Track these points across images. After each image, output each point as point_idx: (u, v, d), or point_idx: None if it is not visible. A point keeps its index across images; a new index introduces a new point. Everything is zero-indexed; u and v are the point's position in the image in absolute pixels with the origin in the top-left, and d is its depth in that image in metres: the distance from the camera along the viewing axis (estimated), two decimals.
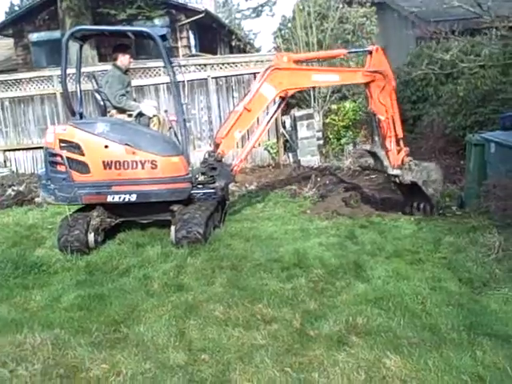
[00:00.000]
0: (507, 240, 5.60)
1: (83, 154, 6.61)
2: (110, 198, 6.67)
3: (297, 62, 7.49)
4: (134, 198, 6.63)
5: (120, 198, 6.64)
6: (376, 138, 7.66)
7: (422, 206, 7.40)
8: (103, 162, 6.60)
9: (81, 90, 7.61)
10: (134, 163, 6.60)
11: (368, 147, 8.16)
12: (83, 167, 6.63)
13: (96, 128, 6.70)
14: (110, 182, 6.63)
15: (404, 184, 7.39)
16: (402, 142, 7.49)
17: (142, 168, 6.60)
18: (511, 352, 3.70)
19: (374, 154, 7.67)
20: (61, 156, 6.64)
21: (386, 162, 7.39)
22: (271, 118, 7.83)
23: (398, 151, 7.44)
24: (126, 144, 6.59)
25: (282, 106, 7.90)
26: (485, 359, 3.63)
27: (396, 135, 7.45)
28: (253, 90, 7.15)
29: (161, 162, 6.61)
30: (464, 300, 4.60)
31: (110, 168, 6.60)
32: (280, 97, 7.50)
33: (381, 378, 3.48)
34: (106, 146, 6.61)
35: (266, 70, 7.18)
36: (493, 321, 4.19)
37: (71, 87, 8.43)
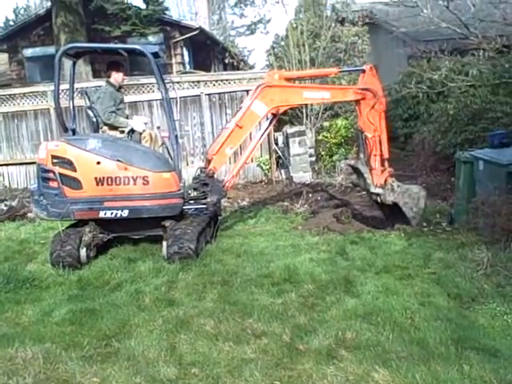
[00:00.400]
0: (495, 256, 5.68)
1: (75, 170, 6.67)
2: (102, 214, 6.72)
3: (288, 79, 7.62)
4: (126, 213, 6.68)
5: (112, 213, 6.69)
6: (361, 155, 7.82)
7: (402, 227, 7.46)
8: (95, 178, 6.66)
9: (74, 107, 7.68)
10: (126, 179, 6.65)
11: (352, 162, 8.28)
12: (75, 183, 6.68)
13: (88, 144, 6.76)
14: (102, 198, 6.68)
15: (385, 204, 7.49)
16: (386, 163, 7.59)
17: (134, 184, 6.66)
18: (498, 366, 3.75)
19: (357, 170, 7.78)
20: (53, 172, 6.69)
21: (368, 180, 7.49)
22: (263, 134, 7.92)
23: (382, 171, 7.53)
24: (118, 160, 6.65)
25: (274, 122, 8.01)
26: (471, 373, 3.67)
27: (382, 155, 7.53)
28: (244, 107, 7.22)
29: (152, 177, 6.67)
30: (452, 315, 4.66)
31: (102, 184, 6.66)
32: (272, 113, 7.60)
33: None
34: (98, 162, 6.67)
35: (258, 87, 7.27)
36: (480, 335, 4.25)
37: (65, 103, 8.52)
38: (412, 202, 7.29)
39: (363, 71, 7.61)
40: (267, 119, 7.82)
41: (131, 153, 6.81)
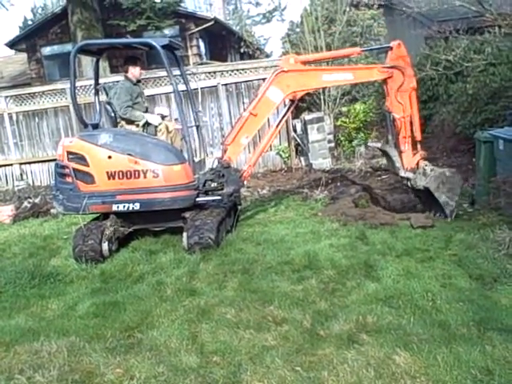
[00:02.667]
0: None
1: (88, 165, 6.78)
2: (114, 207, 6.81)
3: (304, 63, 7.34)
4: (137, 206, 6.75)
5: (124, 206, 6.77)
6: (390, 137, 7.43)
7: (437, 214, 7.06)
8: (107, 172, 6.75)
9: (99, 102, 7.76)
10: (137, 172, 6.71)
11: (379, 145, 7.91)
12: (89, 178, 6.80)
13: (100, 139, 6.85)
14: (114, 192, 6.77)
15: (417, 189, 7.14)
16: (419, 145, 7.24)
17: (144, 177, 6.71)
18: None
19: (385, 153, 7.50)
20: (68, 167, 6.82)
21: (397, 163, 7.19)
22: (280, 121, 7.74)
23: (414, 154, 7.18)
24: (129, 154, 6.72)
25: (292, 108, 7.80)
26: (494, 353, 3.65)
27: (413, 137, 7.16)
28: (259, 94, 7.09)
29: (162, 170, 6.71)
30: (474, 296, 4.62)
31: (114, 178, 6.75)
32: (289, 100, 7.42)
33: (390, 375, 3.52)
34: (109, 157, 6.76)
35: (273, 73, 7.11)
36: (503, 315, 4.21)
37: (84, 99, 8.57)
38: (445, 187, 6.84)
39: (390, 48, 7.15)
40: (285, 106, 7.64)
41: (142, 146, 6.85)
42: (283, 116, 7.81)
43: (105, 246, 6.74)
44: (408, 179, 7.20)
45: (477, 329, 4.02)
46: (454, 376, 3.43)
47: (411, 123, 7.14)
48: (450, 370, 3.50)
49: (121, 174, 6.72)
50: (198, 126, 7.93)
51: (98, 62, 7.88)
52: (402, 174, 7.24)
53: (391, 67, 7.03)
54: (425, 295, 4.68)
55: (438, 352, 3.72)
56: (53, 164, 7.51)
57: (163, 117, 7.84)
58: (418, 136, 7.22)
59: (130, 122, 7.44)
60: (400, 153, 7.21)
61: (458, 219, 6.90)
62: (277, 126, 7.73)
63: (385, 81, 7.17)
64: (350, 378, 3.52)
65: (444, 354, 3.68)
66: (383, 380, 3.47)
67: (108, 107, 7.56)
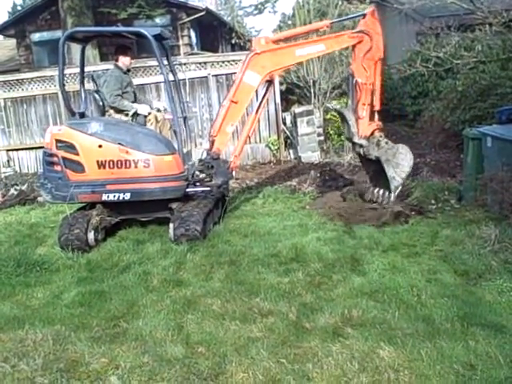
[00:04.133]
0: (503, 232, 5.66)
1: (78, 154, 6.73)
2: (104, 197, 6.78)
3: (276, 42, 7.32)
4: (127, 196, 6.72)
5: (114, 196, 6.74)
6: (350, 102, 7.53)
7: (381, 192, 7.17)
8: (97, 161, 6.71)
9: (84, 90, 7.71)
10: (127, 162, 6.67)
11: (337, 107, 8.05)
12: (78, 166, 6.75)
13: (90, 128, 6.80)
14: (104, 181, 6.73)
15: (367, 158, 7.21)
16: (376, 115, 7.37)
17: (135, 167, 6.68)
18: (504, 341, 3.77)
19: (343, 117, 7.55)
20: (57, 156, 6.77)
21: (353, 129, 7.27)
22: (260, 104, 7.73)
23: (370, 123, 7.31)
24: (119, 143, 6.68)
25: (271, 89, 7.78)
26: (477, 348, 3.69)
27: (372, 106, 7.28)
28: (236, 81, 7.08)
29: (153, 160, 6.68)
30: (459, 291, 4.67)
31: (104, 167, 6.70)
32: (266, 81, 7.42)
33: (374, 368, 3.55)
34: (100, 146, 6.71)
35: (246, 56, 7.09)
36: (487, 311, 4.26)
37: (72, 87, 8.47)
38: (395, 161, 6.94)
39: (363, 16, 7.27)
40: (263, 87, 7.62)
41: (133, 136, 6.82)
42: (262, 98, 7.77)
43: (91, 235, 6.71)
44: (361, 146, 7.33)
45: (460, 324, 4.06)
46: (437, 370, 3.47)
47: (372, 92, 7.26)
48: (434, 364, 3.54)
49: (111, 163, 6.69)
50: (185, 118, 7.90)
51: (83, 49, 7.77)
52: (356, 139, 7.35)
53: (360, 31, 7.15)
54: (410, 290, 4.72)
55: (422, 346, 3.76)
56: (40, 151, 7.46)
57: (158, 111, 7.79)
58: (377, 106, 7.35)
59: (118, 111, 7.40)
60: (357, 119, 7.33)
61: (444, 215, 6.96)
62: (257, 111, 7.70)
63: (354, 45, 7.28)
64: (335, 370, 3.55)
65: (428, 349, 3.72)
66: (367, 373, 3.50)
67: (96, 96, 7.51)
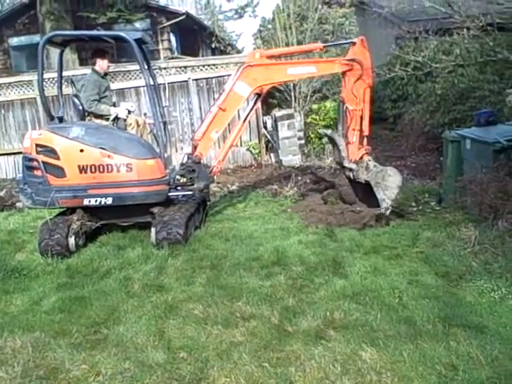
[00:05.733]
0: (483, 234, 5.71)
1: (59, 159, 6.66)
2: (86, 202, 6.72)
3: (270, 57, 7.49)
4: (109, 201, 6.67)
5: (96, 201, 6.68)
6: (340, 127, 7.70)
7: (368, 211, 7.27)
8: (78, 166, 6.65)
9: (62, 95, 7.64)
10: (109, 167, 6.64)
11: (329, 132, 8.19)
12: (59, 171, 6.68)
13: (71, 132, 6.74)
14: (86, 186, 6.68)
15: (357, 181, 7.38)
16: (365, 140, 7.54)
17: (117, 171, 6.65)
18: (485, 342, 3.79)
19: (333, 141, 7.71)
20: (37, 161, 6.69)
21: (343, 153, 7.44)
22: (247, 115, 7.79)
23: (360, 148, 7.47)
24: (101, 148, 6.64)
25: (258, 102, 7.86)
26: (459, 349, 3.71)
27: (362, 131, 7.45)
28: (227, 89, 7.14)
29: (136, 165, 6.65)
30: (440, 293, 4.70)
31: (86, 172, 6.65)
32: (255, 93, 7.49)
33: (356, 371, 3.55)
34: (81, 150, 6.66)
35: (239, 67, 7.20)
36: (468, 312, 4.29)
37: (51, 92, 8.36)
38: (385, 183, 7.10)
39: (353, 44, 7.48)
40: (252, 99, 7.69)
41: (114, 140, 6.78)
42: (250, 110, 7.82)
43: (71, 240, 6.64)
44: (351, 170, 7.50)
45: (442, 325, 4.08)
46: (419, 372, 3.48)
47: (362, 117, 7.44)
48: (416, 365, 3.55)
49: (93, 167, 6.64)
50: (165, 123, 7.87)
51: (61, 53, 7.70)
52: (346, 164, 7.52)
53: (352, 60, 7.33)
54: (392, 292, 4.74)
55: (404, 348, 3.77)
56: (19, 157, 7.37)
57: (129, 112, 7.74)
58: (367, 131, 7.53)
59: (98, 115, 7.35)
60: (347, 143, 7.50)
61: (425, 217, 7.00)
62: (244, 120, 7.77)
63: (344, 73, 7.46)
64: (317, 373, 3.55)
65: (410, 350, 3.73)
66: (349, 376, 3.50)
67: (75, 100, 7.45)
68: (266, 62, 7.27)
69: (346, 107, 7.44)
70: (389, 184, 7.08)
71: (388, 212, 7.07)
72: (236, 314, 4.56)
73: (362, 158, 7.44)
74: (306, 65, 7.58)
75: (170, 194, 6.98)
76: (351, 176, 7.54)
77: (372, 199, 7.25)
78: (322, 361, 3.69)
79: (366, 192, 7.42)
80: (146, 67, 7.63)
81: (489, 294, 4.60)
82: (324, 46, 8.30)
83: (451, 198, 7.12)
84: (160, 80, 8.14)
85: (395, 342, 3.86)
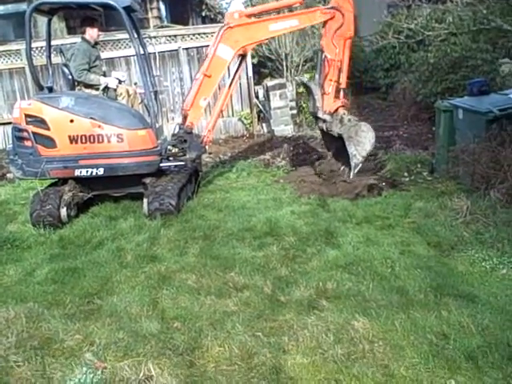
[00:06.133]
0: (475, 204, 5.73)
1: (49, 129, 6.59)
2: (77, 172, 6.67)
3: (249, 16, 7.31)
4: (101, 171, 6.63)
5: (87, 172, 6.64)
6: (317, 76, 7.62)
7: (342, 167, 7.28)
8: (69, 136, 6.58)
9: (51, 64, 7.52)
10: (100, 137, 6.57)
11: (305, 80, 8.11)
12: (49, 142, 6.61)
13: (61, 102, 6.65)
14: (77, 157, 6.62)
15: (330, 134, 7.32)
16: (342, 93, 7.47)
17: (108, 142, 6.58)
18: (476, 311, 3.84)
19: (309, 90, 7.64)
20: (27, 131, 6.61)
21: (318, 103, 7.36)
22: (233, 79, 7.71)
23: (335, 100, 7.40)
24: (91, 118, 6.56)
25: (243, 63, 7.81)
26: (450, 318, 3.76)
27: (339, 83, 7.38)
28: (210, 55, 7.02)
29: (127, 135, 6.59)
30: (432, 263, 4.74)
31: (76, 142, 6.59)
32: (239, 55, 7.40)
33: (349, 340, 3.59)
34: (72, 121, 6.58)
35: (219, 30, 7.06)
36: (459, 282, 4.34)
37: (40, 61, 8.24)
38: (357, 138, 6.99)
39: None
40: (236, 62, 7.60)
41: (105, 110, 6.70)
42: (235, 72, 7.74)
43: (63, 211, 6.61)
44: (324, 121, 7.43)
45: (433, 295, 4.13)
46: (411, 341, 3.52)
47: (340, 69, 7.36)
48: (407, 334, 3.59)
49: (84, 138, 6.57)
50: (155, 92, 7.79)
51: (49, 22, 7.54)
52: (320, 114, 7.45)
53: (332, 8, 7.24)
54: (384, 262, 4.77)
55: (396, 317, 3.81)
56: (8, 127, 7.29)
57: (120, 81, 7.65)
58: (344, 84, 7.47)
59: (88, 85, 7.25)
60: (323, 94, 7.42)
61: (417, 187, 7.01)
62: (230, 85, 7.67)
63: (325, 21, 7.36)
64: (310, 342, 3.58)
65: (401, 320, 3.77)
66: (342, 344, 3.54)
67: (65, 69, 7.33)
68: (246, 21, 7.10)
69: (325, 56, 7.34)
70: (361, 139, 6.98)
71: (358, 168, 7.02)
72: (229, 284, 4.58)
73: (337, 110, 7.36)
74: (287, 19, 7.41)
75: (161, 164, 6.94)
76: (324, 128, 7.47)
77: (344, 154, 7.17)
78: (315, 330, 3.72)
79: (338, 146, 7.35)
80: (136, 36, 7.52)
81: (480, 264, 4.65)
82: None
83: (443, 168, 7.13)
84: (150, 49, 8.04)
85: (387, 311, 3.90)
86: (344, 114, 7.29)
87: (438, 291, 4.16)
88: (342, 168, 7.27)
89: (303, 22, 7.60)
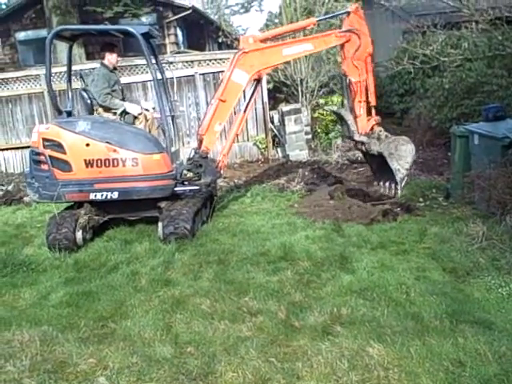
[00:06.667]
0: (491, 229, 5.69)
1: (65, 153, 6.69)
2: (92, 196, 6.74)
3: (264, 40, 7.30)
4: (115, 195, 6.69)
5: (102, 195, 6.70)
6: (346, 102, 7.59)
7: (387, 184, 7.14)
8: (85, 160, 6.67)
9: (71, 89, 7.65)
10: (115, 161, 6.64)
11: (335, 108, 8.03)
12: (65, 165, 6.70)
13: (77, 126, 6.75)
14: (92, 180, 6.69)
15: (370, 154, 7.21)
16: (373, 111, 7.35)
17: (123, 166, 6.65)
18: (492, 338, 3.78)
19: (340, 117, 7.55)
20: (44, 155, 6.72)
21: (352, 127, 7.25)
22: (248, 103, 7.72)
23: (369, 119, 7.29)
24: (107, 142, 6.64)
25: (258, 88, 7.80)
26: (466, 345, 3.70)
27: (368, 102, 7.27)
28: (224, 80, 7.06)
29: (142, 159, 6.65)
30: (447, 289, 4.68)
31: (92, 166, 6.67)
32: (254, 79, 7.42)
33: (363, 366, 3.54)
34: (88, 145, 6.67)
35: (234, 55, 7.09)
36: (475, 308, 4.28)
37: (59, 86, 8.35)
38: (398, 153, 6.86)
39: (348, 13, 7.23)
40: (251, 87, 7.61)
41: (121, 135, 6.78)
42: (250, 97, 7.75)
43: (79, 234, 6.67)
44: (362, 143, 7.28)
45: (449, 321, 4.07)
46: (427, 368, 3.47)
47: (366, 88, 7.24)
48: (423, 361, 3.54)
49: (99, 162, 6.65)
50: (173, 116, 7.88)
51: (70, 48, 7.74)
52: (357, 137, 7.30)
53: (348, 31, 7.13)
54: (399, 288, 4.72)
55: (411, 344, 3.76)
56: (26, 151, 7.38)
57: (147, 111, 7.75)
58: (373, 101, 7.32)
59: (107, 109, 7.36)
60: (355, 117, 7.30)
61: (432, 213, 6.97)
62: (245, 109, 7.69)
63: (342, 45, 7.26)
64: (324, 369, 3.54)
65: (417, 346, 3.72)
66: (357, 371, 3.50)
67: (84, 94, 7.46)
68: (261, 46, 7.09)
69: (349, 80, 7.23)
70: (402, 153, 6.85)
71: (404, 182, 6.93)
72: (243, 309, 4.56)
73: (372, 129, 7.24)
74: (301, 43, 7.36)
75: (176, 188, 6.97)
76: (363, 149, 7.32)
77: (387, 171, 7.04)
78: (329, 356, 3.69)
79: (380, 164, 7.20)
80: (154, 61, 7.64)
81: (496, 290, 4.58)
82: (317, 21, 7.96)
83: (459, 193, 7.09)
84: (168, 74, 8.13)
85: (402, 337, 3.85)
86: (380, 131, 7.17)
87: (453, 318, 4.11)
88: (387, 184, 7.19)
89: (318, 46, 7.52)
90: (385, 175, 7.19)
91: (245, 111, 7.69)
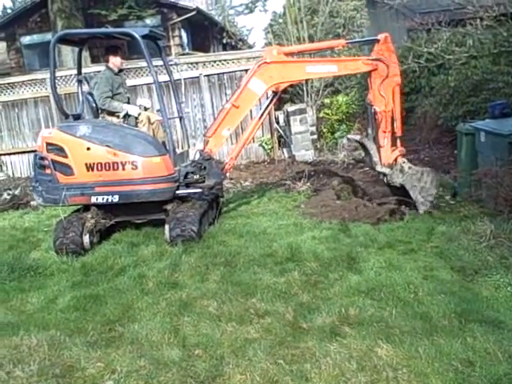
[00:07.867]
0: (498, 227, 5.63)
1: (67, 157, 6.73)
2: (93, 199, 6.77)
3: (288, 54, 7.23)
4: (116, 198, 6.72)
5: (103, 198, 6.74)
6: (370, 131, 7.35)
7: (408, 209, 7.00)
8: (85, 163, 6.71)
9: (82, 92, 7.69)
10: (115, 164, 6.66)
11: (358, 137, 7.86)
12: (67, 169, 6.75)
13: (78, 130, 6.80)
14: (93, 184, 6.73)
15: (393, 185, 7.12)
16: (398, 141, 7.15)
17: (123, 169, 6.66)
18: (502, 337, 3.75)
19: (363, 146, 7.44)
20: (47, 159, 6.78)
21: (375, 158, 7.12)
22: (263, 113, 7.68)
23: (393, 150, 7.11)
24: (107, 145, 6.66)
25: (275, 100, 7.74)
26: (475, 345, 3.67)
27: (393, 132, 7.08)
28: (241, 86, 7.04)
29: (141, 162, 6.66)
30: (456, 288, 4.65)
31: (93, 170, 6.71)
32: (272, 91, 7.36)
33: (372, 367, 3.52)
34: (88, 148, 6.71)
35: (256, 64, 7.04)
36: (484, 307, 4.25)
37: (64, 90, 8.36)
38: (421, 185, 6.81)
39: (377, 41, 7.06)
40: (267, 98, 7.61)
41: (121, 138, 6.79)
42: (266, 108, 7.72)
43: (86, 238, 6.68)
44: (384, 175, 7.16)
45: (458, 320, 4.04)
46: (436, 368, 3.45)
47: (392, 118, 7.06)
48: (432, 361, 3.52)
49: (99, 165, 6.67)
50: (181, 118, 7.87)
51: (80, 51, 7.82)
52: (379, 168, 7.17)
53: (376, 59, 6.96)
54: (407, 287, 4.69)
55: (420, 344, 3.74)
56: (33, 155, 7.41)
57: (145, 108, 7.77)
58: (399, 132, 7.12)
59: (111, 113, 7.37)
60: (378, 147, 7.14)
61: (439, 211, 6.93)
62: (259, 118, 7.66)
63: (369, 73, 7.09)
64: (333, 370, 3.53)
65: (425, 346, 3.70)
66: (365, 372, 3.48)
67: (89, 97, 7.48)
68: (284, 59, 7.01)
69: (374, 109, 7.04)
70: (425, 185, 6.81)
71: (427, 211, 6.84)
72: (250, 310, 4.55)
73: (395, 160, 7.09)
74: (327, 63, 7.26)
75: (177, 191, 6.95)
76: (385, 180, 7.22)
77: (410, 202, 6.98)
78: (338, 357, 3.67)
79: (402, 194, 7.09)
80: (162, 63, 7.66)
81: (505, 289, 4.55)
82: (347, 43, 7.72)
83: (466, 191, 7.07)
84: (176, 76, 8.14)
85: (411, 337, 3.83)
86: (403, 162, 7.02)
87: (462, 317, 4.08)
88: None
89: (342, 69, 7.38)
90: (407, 204, 7.06)
91: (259, 120, 7.62)
